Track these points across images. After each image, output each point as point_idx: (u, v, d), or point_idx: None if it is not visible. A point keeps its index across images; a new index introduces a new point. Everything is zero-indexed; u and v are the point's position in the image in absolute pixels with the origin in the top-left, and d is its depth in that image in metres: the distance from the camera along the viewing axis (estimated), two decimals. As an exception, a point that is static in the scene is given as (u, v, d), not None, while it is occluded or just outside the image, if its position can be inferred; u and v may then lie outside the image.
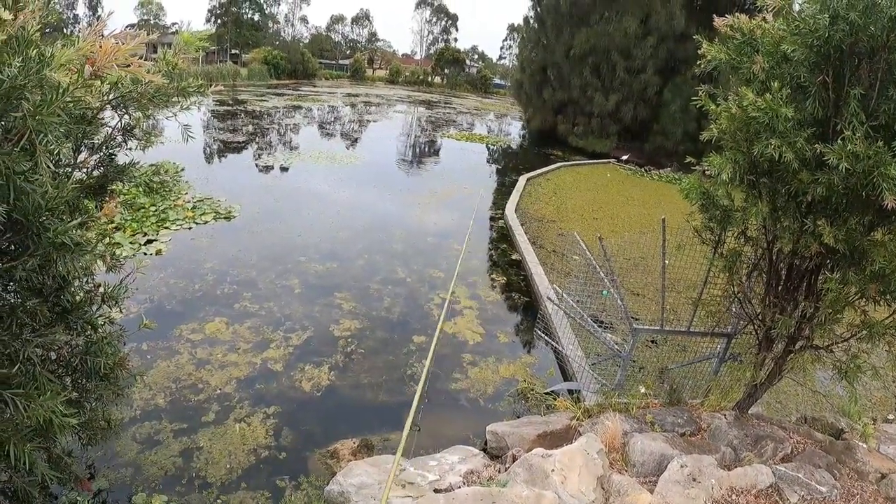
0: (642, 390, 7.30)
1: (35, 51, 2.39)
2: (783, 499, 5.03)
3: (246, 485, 6.06)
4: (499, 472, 5.61)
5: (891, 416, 8.13)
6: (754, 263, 5.76)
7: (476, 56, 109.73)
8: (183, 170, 18.49)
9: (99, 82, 3.12)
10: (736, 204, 5.44)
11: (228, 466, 6.29)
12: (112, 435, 5.01)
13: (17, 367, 2.68)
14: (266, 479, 6.19)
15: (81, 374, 3.95)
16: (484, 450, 6.56)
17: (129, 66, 2.61)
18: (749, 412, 6.39)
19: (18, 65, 2.28)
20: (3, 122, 2.39)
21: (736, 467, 5.34)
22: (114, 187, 4.24)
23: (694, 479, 4.92)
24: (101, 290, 3.99)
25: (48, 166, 2.40)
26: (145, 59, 2.94)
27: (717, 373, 7.24)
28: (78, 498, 4.99)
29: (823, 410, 8.07)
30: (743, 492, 5.03)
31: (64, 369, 3.90)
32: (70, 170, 3.56)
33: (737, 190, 5.26)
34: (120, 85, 3.35)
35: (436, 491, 5.03)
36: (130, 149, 4.15)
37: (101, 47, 2.48)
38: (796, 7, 4.43)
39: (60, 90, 2.38)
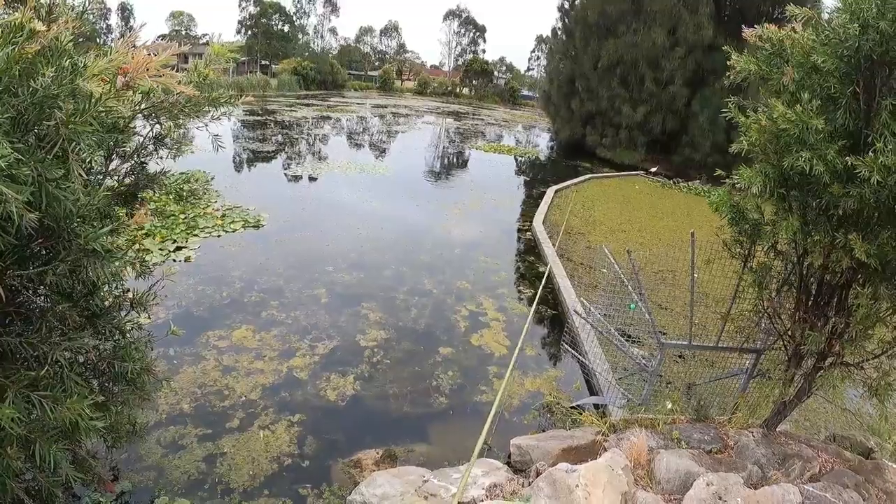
0: (669, 406, 7.20)
1: (68, 61, 2.44)
2: (811, 519, 4.93)
3: (268, 492, 6.08)
4: (522, 486, 5.56)
5: (922, 436, 7.94)
6: (784, 278, 5.67)
7: (504, 67, 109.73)
8: (213, 178, 18.74)
9: (131, 92, 3.18)
10: (766, 217, 5.37)
11: (251, 473, 6.32)
12: (137, 438, 5.07)
13: (45, 370, 2.72)
14: (288, 486, 6.21)
15: (108, 378, 4.01)
16: (508, 463, 6.51)
17: (160, 76, 2.66)
18: (777, 430, 6.28)
19: (52, 74, 2.33)
20: (36, 130, 2.44)
21: (763, 486, 5.24)
22: (144, 195, 4.30)
23: (720, 498, 4.84)
24: (130, 295, 4.05)
25: (80, 174, 2.44)
26: (176, 70, 3.00)
27: (744, 389, 7.13)
28: (101, 499, 5.05)
29: (853, 428, 7.89)
30: (770, 511, 4.95)
31: (91, 373, 3.95)
32: (102, 177, 3.62)
33: (767, 203, 5.19)
34: (151, 95, 3.41)
35: None
36: (161, 157, 4.21)
37: (133, 58, 2.52)
38: (825, 17, 4.38)
39: (93, 100, 2.43)
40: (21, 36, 2.22)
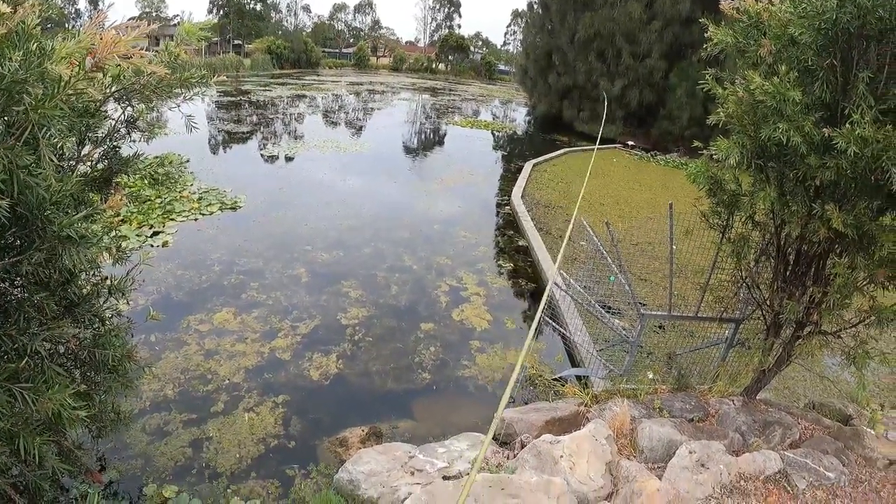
0: (650, 376, 7.30)
1: (36, 44, 2.37)
2: (791, 485, 5.03)
3: (256, 474, 6.10)
4: (507, 458, 5.62)
5: (900, 402, 8.11)
6: (762, 248, 5.74)
7: (480, 42, 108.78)
8: (188, 161, 18.49)
9: (101, 75, 3.10)
10: (744, 188, 5.41)
11: (238, 456, 6.32)
12: (122, 427, 5.02)
13: (24, 361, 2.68)
14: (275, 467, 6.23)
15: (90, 367, 3.96)
16: (493, 436, 6.56)
17: (130, 57, 2.60)
18: (757, 398, 6.38)
19: (19, 59, 2.27)
20: (5, 117, 2.38)
21: (744, 453, 5.34)
22: (119, 180, 4.23)
23: (702, 465, 4.92)
24: (108, 282, 3.99)
25: (51, 160, 2.39)
26: (148, 52, 2.93)
27: (725, 358, 7.23)
28: (89, 490, 5.02)
29: (832, 396, 8.04)
30: (751, 478, 5.04)
31: (73, 362, 3.91)
32: (74, 163, 3.56)
33: (744, 174, 5.23)
34: (122, 77, 3.34)
35: (444, 478, 5.05)
36: (134, 141, 4.14)
37: (101, 39, 2.46)
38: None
39: (62, 83, 2.37)
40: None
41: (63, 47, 2.35)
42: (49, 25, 2.84)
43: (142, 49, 2.70)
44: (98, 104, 3.31)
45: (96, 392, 4.24)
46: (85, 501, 3.04)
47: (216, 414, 6.98)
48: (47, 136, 2.52)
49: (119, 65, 2.63)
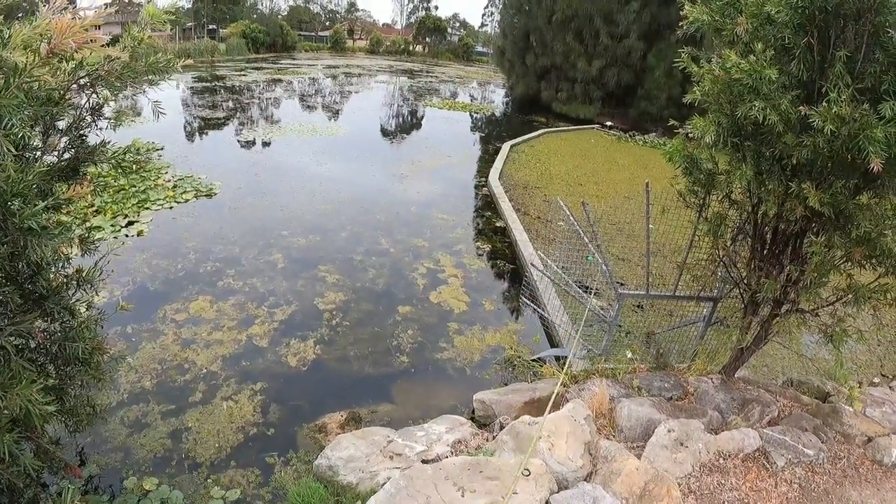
0: (629, 355, 7.33)
1: (-10, 32, 2.29)
2: (770, 462, 5.08)
3: (235, 463, 6.07)
4: (487, 440, 5.63)
5: (876, 380, 8.22)
6: (739, 227, 5.75)
7: (458, 24, 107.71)
8: (162, 149, 18.22)
9: (64, 62, 3.01)
10: (720, 167, 5.41)
11: (217, 445, 6.28)
12: (99, 420, 4.96)
13: (-10, 358, 2.61)
14: (255, 456, 6.20)
15: (62, 361, 3.88)
16: (472, 419, 6.57)
17: (86, 42, 2.51)
18: (736, 376, 6.44)
19: None
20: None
21: (723, 431, 5.38)
22: (86, 169, 4.13)
23: (681, 444, 4.95)
24: (77, 274, 3.91)
25: (9, 150, 2.31)
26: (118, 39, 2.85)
27: (703, 337, 7.27)
28: (69, 485, 4.95)
29: (810, 374, 8.14)
30: (730, 456, 5.08)
31: (45, 357, 3.83)
32: (39, 153, 3.46)
33: (721, 153, 5.22)
34: (85, 64, 3.24)
35: (423, 462, 5.03)
36: (102, 129, 4.04)
37: (57, 24, 2.37)
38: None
39: (18, 71, 2.28)
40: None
41: (18, 34, 2.26)
42: (20, 15, 2.73)
43: (100, 35, 2.61)
44: (61, 92, 3.21)
45: (71, 386, 4.17)
46: (65, 496, 2.97)
47: (194, 404, 6.92)
48: (7, 126, 2.43)
49: (76, 50, 2.55)
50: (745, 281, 5.70)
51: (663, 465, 4.78)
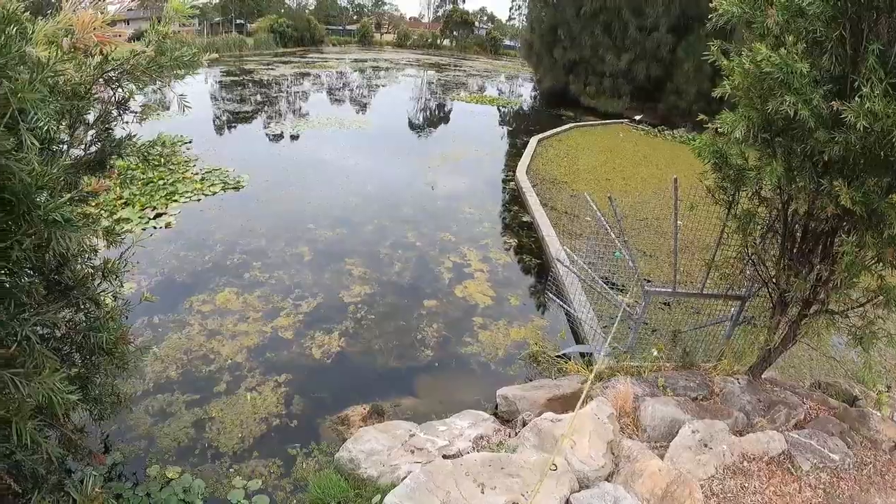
0: (654, 353, 7.24)
1: (15, 28, 2.30)
2: (795, 466, 4.99)
3: (258, 453, 6.11)
4: (509, 436, 5.61)
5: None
6: (769, 225, 5.64)
7: (485, 17, 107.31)
8: (191, 141, 18.44)
9: (90, 57, 3.04)
10: (750, 163, 5.31)
11: (240, 436, 6.34)
12: (124, 409, 5.03)
13: (14, 347, 2.64)
14: (278, 446, 6.24)
15: (87, 351, 3.94)
16: (495, 414, 6.55)
17: (107, 37, 2.53)
18: (762, 377, 6.33)
19: None
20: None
21: (748, 433, 5.30)
22: (113, 162, 4.17)
23: (705, 445, 4.89)
24: (102, 265, 3.96)
25: (33, 143, 2.33)
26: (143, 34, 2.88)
27: (730, 336, 7.18)
28: (92, 472, 5.02)
29: (837, 376, 7.97)
30: (755, 458, 5.00)
31: (70, 346, 3.89)
32: (65, 146, 3.50)
33: (751, 149, 5.12)
34: (111, 58, 3.27)
35: (445, 457, 5.03)
36: (128, 123, 4.07)
37: (79, 19, 2.39)
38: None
39: (41, 67, 2.30)
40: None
41: (41, 29, 2.28)
42: (49, 11, 2.76)
43: (125, 30, 2.63)
44: (87, 86, 3.25)
45: (95, 375, 4.23)
46: (86, 483, 3.01)
47: (219, 394, 6.99)
48: (32, 120, 2.47)
49: (98, 45, 2.57)
50: (774, 280, 5.59)
51: (686, 466, 4.72)
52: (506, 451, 4.91)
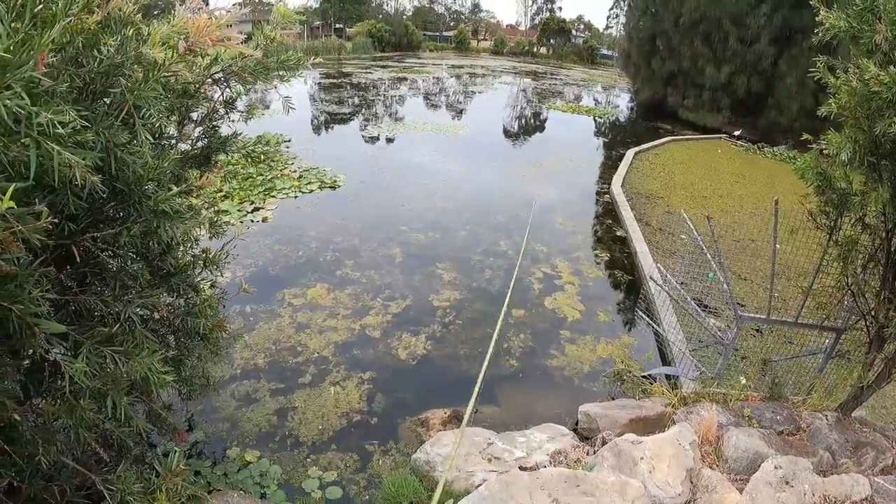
0: (743, 381, 6.98)
1: (133, 30, 2.48)
2: (877, 514, 4.70)
3: (336, 446, 6.26)
4: (587, 454, 5.53)
5: None
6: (871, 254, 5.34)
7: (582, 26, 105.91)
8: (290, 141, 19.08)
9: (200, 58, 3.23)
10: (854, 187, 5.06)
11: (320, 427, 6.51)
12: (211, 391, 5.29)
13: (117, 327, 2.82)
14: (356, 442, 6.38)
15: (183, 334, 4.15)
16: (575, 430, 6.46)
17: (221, 41, 2.68)
18: (852, 415, 6.00)
19: (114, 44, 2.39)
20: (106, 99, 2.50)
21: (832, 474, 5.01)
22: (219, 158, 4.40)
23: (787, 483, 4.67)
24: (204, 255, 4.17)
25: (147, 138, 2.50)
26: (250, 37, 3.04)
27: (822, 370, 6.82)
28: (175, 448, 5.29)
29: (933, 421, 7.48)
30: (836, 501, 4.73)
31: (167, 329, 4.11)
32: (175, 141, 3.71)
33: (856, 172, 4.88)
34: (220, 60, 3.45)
35: (521, 468, 5.01)
36: (234, 121, 4.28)
37: (194, 23, 2.55)
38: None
39: (156, 67, 2.47)
40: (77, 7, 2.25)
41: (157, 32, 2.45)
42: (156, 13, 2.97)
43: (235, 34, 2.78)
44: (197, 86, 3.44)
45: (188, 358, 4.45)
46: (167, 458, 3.18)
47: (303, 385, 7.20)
48: (146, 116, 2.64)
49: (212, 48, 2.73)
50: (873, 313, 5.29)
51: (765, 503, 4.53)
52: (583, 468, 4.85)
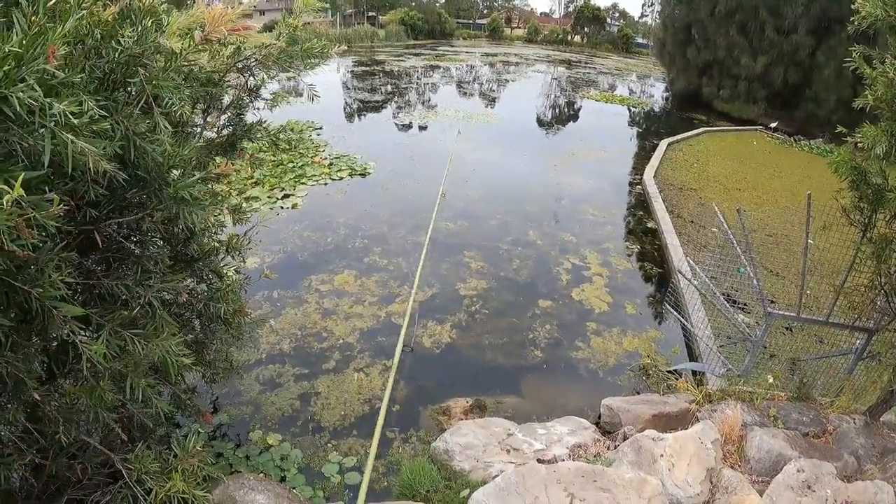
0: (770, 380, 6.85)
1: (151, 20, 2.51)
2: (900, 523, 4.60)
3: (357, 432, 6.32)
4: (608, 448, 5.50)
5: None
6: (905, 253, 5.21)
7: (616, 14, 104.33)
8: (321, 128, 19.17)
9: (224, 48, 3.25)
10: (890, 183, 4.93)
11: (343, 413, 6.58)
12: (235, 375, 5.37)
13: (136, 310, 2.87)
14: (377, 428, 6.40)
15: (206, 318, 4.22)
16: (597, 424, 6.42)
17: (238, 29, 2.70)
18: (881, 419, 5.87)
19: (132, 35, 2.42)
20: (126, 89, 2.54)
21: (856, 480, 4.91)
22: (244, 145, 4.44)
23: (809, 487, 4.59)
24: (228, 241, 4.22)
25: (166, 127, 2.53)
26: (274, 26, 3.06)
27: (852, 371, 6.67)
28: (199, 430, 5.38)
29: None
30: (858, 508, 4.64)
31: (191, 313, 4.17)
32: (199, 129, 3.75)
33: (892, 167, 4.76)
34: (243, 49, 3.48)
35: (539, 461, 4.99)
36: (259, 109, 4.32)
37: (210, 13, 2.57)
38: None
39: (174, 56, 2.50)
40: (89, 1, 2.28)
41: (175, 22, 2.47)
42: (189, 2, 3.01)
43: (252, 24, 2.80)
44: (221, 75, 3.47)
45: (212, 341, 4.52)
46: (189, 440, 3.24)
47: (327, 371, 7.28)
48: (167, 104, 2.67)
49: (228, 37, 2.75)
50: (906, 315, 5.17)
51: (785, 507, 4.46)
52: (602, 463, 4.82)
